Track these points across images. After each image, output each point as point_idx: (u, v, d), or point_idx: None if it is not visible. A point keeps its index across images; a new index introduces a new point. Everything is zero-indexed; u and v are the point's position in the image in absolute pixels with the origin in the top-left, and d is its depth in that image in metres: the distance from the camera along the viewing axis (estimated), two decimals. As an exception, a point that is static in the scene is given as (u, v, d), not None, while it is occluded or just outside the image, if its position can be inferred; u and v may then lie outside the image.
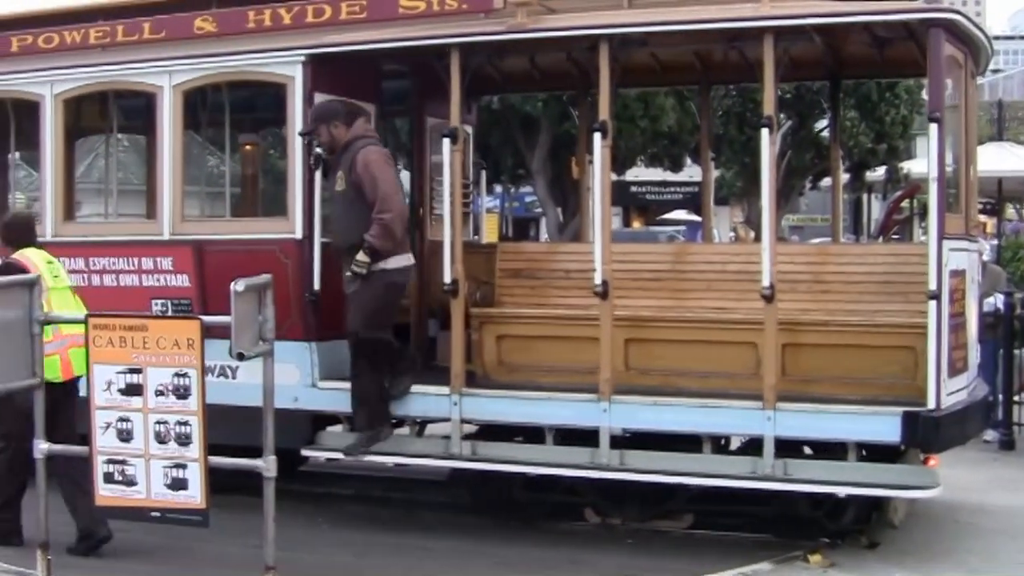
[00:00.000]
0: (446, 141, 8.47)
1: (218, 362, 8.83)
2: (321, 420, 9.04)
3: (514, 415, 8.41)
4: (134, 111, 10.42)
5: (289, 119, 8.78)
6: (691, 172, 30.96)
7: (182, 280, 9.06)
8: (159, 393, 6.98)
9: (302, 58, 8.71)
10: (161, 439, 6.99)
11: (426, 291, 10.15)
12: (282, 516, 6.92)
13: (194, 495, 6.96)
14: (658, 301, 8.64)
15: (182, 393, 6.93)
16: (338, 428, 9.01)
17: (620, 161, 24.86)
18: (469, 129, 11.18)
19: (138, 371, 7.00)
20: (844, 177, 26.89)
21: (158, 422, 6.99)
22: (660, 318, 8.39)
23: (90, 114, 10.49)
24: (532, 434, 8.58)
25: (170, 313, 9.00)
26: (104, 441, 7.11)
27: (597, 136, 8.08)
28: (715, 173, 29.45)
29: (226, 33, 9.21)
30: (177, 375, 6.93)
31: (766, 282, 7.72)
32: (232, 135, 10.11)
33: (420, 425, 8.89)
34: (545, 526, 8.96)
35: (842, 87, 11.32)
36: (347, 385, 8.66)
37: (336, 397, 8.76)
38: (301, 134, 8.67)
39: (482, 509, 9.16)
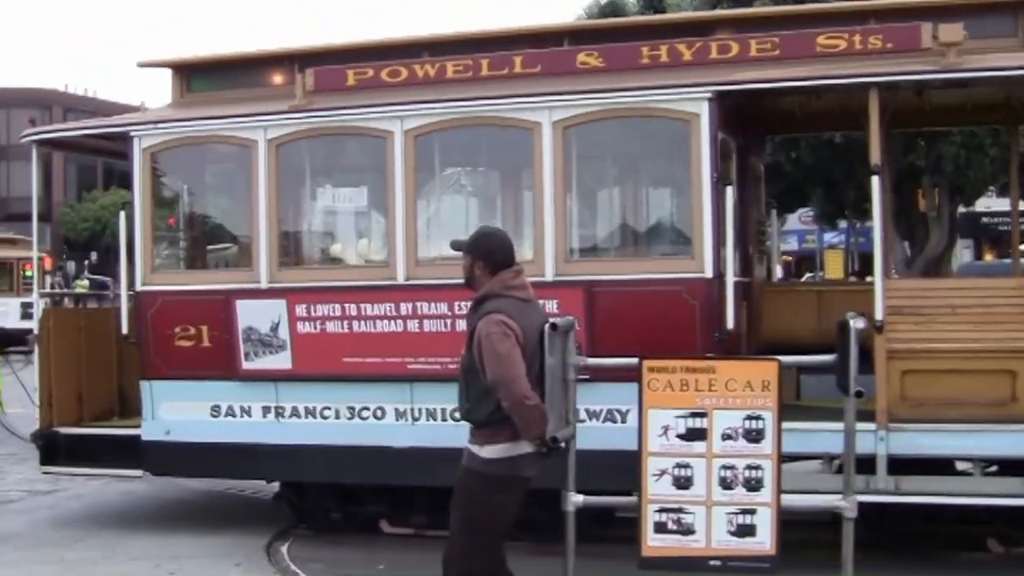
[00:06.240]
0: (875, 178, 8.47)
1: (606, 406, 8.76)
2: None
3: (947, 448, 8.45)
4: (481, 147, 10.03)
5: (694, 156, 8.62)
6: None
7: None
8: (726, 437, 6.83)
9: (709, 95, 8.59)
10: (727, 485, 6.83)
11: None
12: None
13: (763, 541, 6.81)
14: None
15: (754, 437, 6.80)
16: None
17: (968, 192, 24.42)
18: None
19: (702, 415, 6.86)
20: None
21: (724, 467, 6.83)
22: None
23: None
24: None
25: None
26: (657, 489, 6.90)
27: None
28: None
29: (614, 69, 8.94)
30: (749, 418, 6.80)
31: None
32: (618, 171, 9.86)
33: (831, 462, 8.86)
34: (943, 557, 9.01)
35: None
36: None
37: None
38: (715, 179, 8.58)
39: (877, 544, 9.14)
